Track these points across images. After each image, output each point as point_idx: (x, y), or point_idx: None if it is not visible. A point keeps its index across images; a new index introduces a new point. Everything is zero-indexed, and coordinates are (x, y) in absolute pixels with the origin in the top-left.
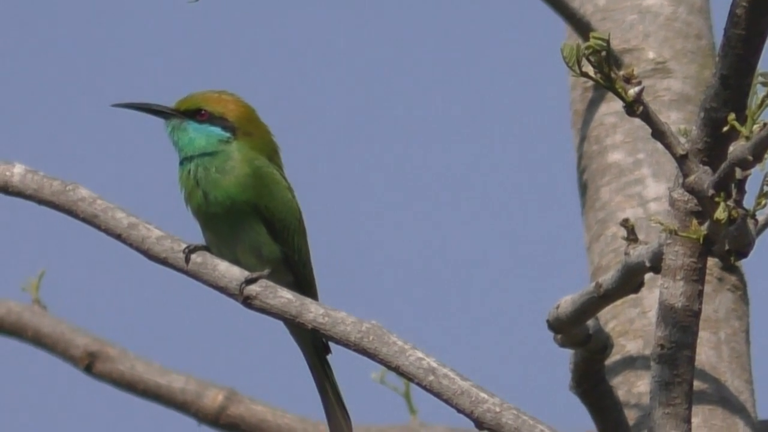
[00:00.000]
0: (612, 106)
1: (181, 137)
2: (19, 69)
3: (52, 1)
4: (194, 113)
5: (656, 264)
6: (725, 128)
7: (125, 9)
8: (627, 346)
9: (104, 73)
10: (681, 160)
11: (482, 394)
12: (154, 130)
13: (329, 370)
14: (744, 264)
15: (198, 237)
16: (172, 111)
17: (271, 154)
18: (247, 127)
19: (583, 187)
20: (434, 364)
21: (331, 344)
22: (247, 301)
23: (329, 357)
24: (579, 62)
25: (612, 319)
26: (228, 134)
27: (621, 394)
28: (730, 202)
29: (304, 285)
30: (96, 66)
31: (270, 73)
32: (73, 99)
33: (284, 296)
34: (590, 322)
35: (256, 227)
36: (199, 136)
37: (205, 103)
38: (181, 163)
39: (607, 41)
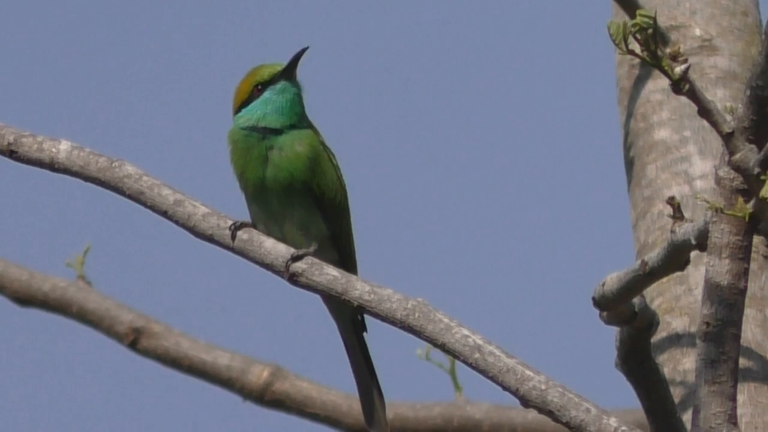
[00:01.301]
0: (659, 83)
1: (299, 102)
2: (70, 49)
3: None
4: (298, 83)
5: (702, 242)
6: None
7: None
8: (673, 323)
9: (153, 53)
10: (727, 137)
11: (528, 372)
12: (195, 109)
13: (366, 349)
14: None
15: (243, 213)
16: (294, 73)
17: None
18: None
19: (630, 164)
20: (480, 342)
21: (375, 321)
22: (293, 278)
23: (365, 336)
24: (626, 40)
25: (658, 296)
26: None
27: (667, 371)
28: None
29: (348, 263)
30: (145, 46)
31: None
32: (120, 77)
33: (330, 273)
34: (636, 300)
35: (307, 205)
36: (303, 107)
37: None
38: (250, 129)
39: (654, 19)
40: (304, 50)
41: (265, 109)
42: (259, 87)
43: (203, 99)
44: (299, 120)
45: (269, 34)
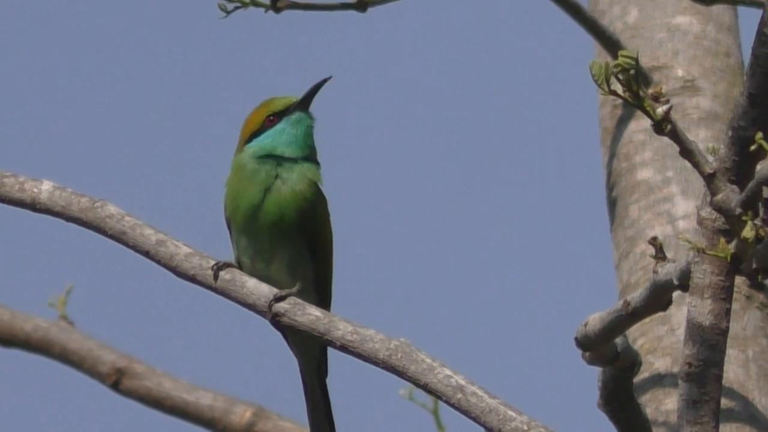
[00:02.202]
0: (641, 123)
1: (309, 135)
2: (50, 87)
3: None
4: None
5: (684, 282)
6: (753, 147)
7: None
8: (655, 363)
9: (136, 93)
10: (709, 178)
11: (510, 412)
12: (181, 147)
13: (326, 393)
14: None
15: (226, 254)
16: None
17: None
18: None
19: (612, 205)
20: (462, 382)
21: (357, 361)
22: (276, 318)
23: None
24: (608, 80)
25: (640, 336)
26: None
27: (649, 411)
28: (758, 221)
29: (326, 304)
30: (126, 84)
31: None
32: (103, 117)
33: (313, 313)
34: (619, 340)
35: (298, 245)
36: (313, 142)
37: None
38: (261, 158)
39: (636, 59)
40: (325, 80)
41: (280, 138)
42: (272, 117)
43: (187, 140)
44: (311, 153)
45: (251, 75)
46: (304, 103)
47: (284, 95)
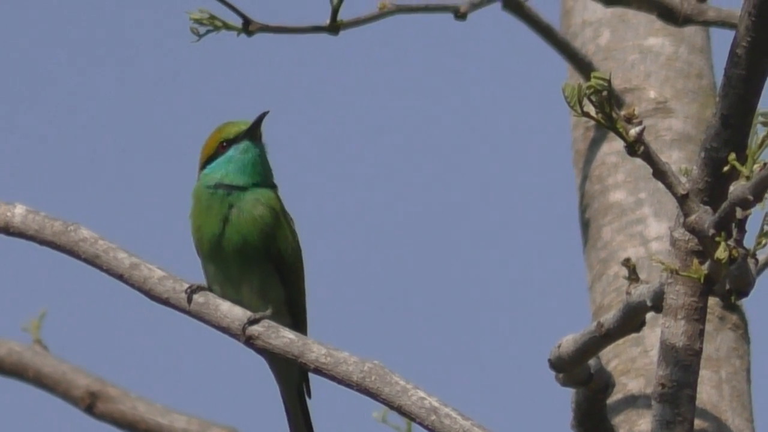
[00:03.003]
0: (613, 145)
1: (261, 163)
2: (19, 110)
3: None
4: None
5: (657, 303)
6: (726, 168)
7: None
8: (629, 385)
9: (101, 114)
10: (682, 199)
11: None
12: (152, 171)
13: (308, 417)
14: (745, 303)
15: (199, 277)
16: (259, 135)
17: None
18: None
19: (585, 226)
20: (436, 404)
21: (331, 383)
22: (250, 341)
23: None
24: (580, 102)
25: (614, 358)
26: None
27: None
28: (731, 242)
29: (301, 326)
30: (103, 104)
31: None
32: (74, 139)
33: (286, 336)
34: (592, 362)
35: (265, 268)
36: (269, 169)
37: None
38: (215, 187)
39: (609, 81)
40: (266, 113)
41: (228, 167)
42: (224, 144)
43: (158, 161)
44: (263, 179)
45: (230, 91)
46: (250, 133)
47: (237, 120)
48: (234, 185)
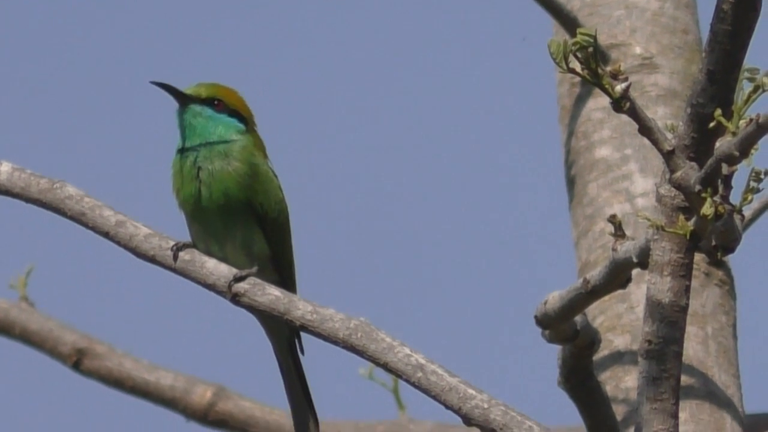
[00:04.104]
0: (599, 101)
1: (200, 123)
2: (6, 67)
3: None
4: (210, 102)
5: (644, 260)
6: (712, 124)
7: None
8: (615, 341)
9: (90, 70)
10: (668, 155)
11: (470, 391)
12: (140, 126)
13: (302, 371)
14: (731, 259)
15: (185, 234)
16: (192, 96)
17: (265, 152)
18: (252, 124)
19: (571, 183)
20: (422, 361)
21: (317, 340)
22: (236, 299)
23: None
24: (566, 58)
25: (600, 314)
26: (243, 126)
27: (609, 389)
28: (717, 198)
29: (288, 283)
30: (81, 64)
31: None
32: (61, 97)
33: (272, 293)
34: (578, 318)
35: (249, 225)
36: (218, 124)
37: (221, 94)
38: (183, 151)
39: (594, 37)
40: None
41: (181, 132)
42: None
43: (144, 120)
44: (215, 135)
45: (208, 61)
46: (177, 99)
47: (199, 83)
48: (193, 146)
